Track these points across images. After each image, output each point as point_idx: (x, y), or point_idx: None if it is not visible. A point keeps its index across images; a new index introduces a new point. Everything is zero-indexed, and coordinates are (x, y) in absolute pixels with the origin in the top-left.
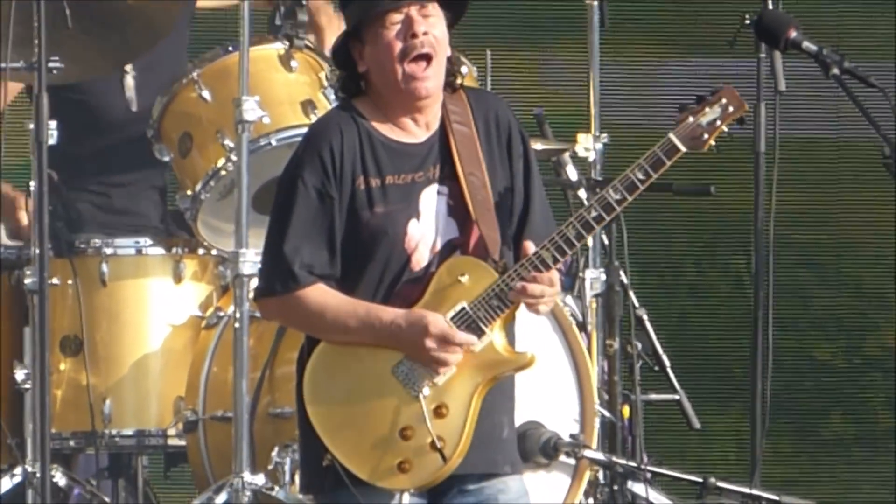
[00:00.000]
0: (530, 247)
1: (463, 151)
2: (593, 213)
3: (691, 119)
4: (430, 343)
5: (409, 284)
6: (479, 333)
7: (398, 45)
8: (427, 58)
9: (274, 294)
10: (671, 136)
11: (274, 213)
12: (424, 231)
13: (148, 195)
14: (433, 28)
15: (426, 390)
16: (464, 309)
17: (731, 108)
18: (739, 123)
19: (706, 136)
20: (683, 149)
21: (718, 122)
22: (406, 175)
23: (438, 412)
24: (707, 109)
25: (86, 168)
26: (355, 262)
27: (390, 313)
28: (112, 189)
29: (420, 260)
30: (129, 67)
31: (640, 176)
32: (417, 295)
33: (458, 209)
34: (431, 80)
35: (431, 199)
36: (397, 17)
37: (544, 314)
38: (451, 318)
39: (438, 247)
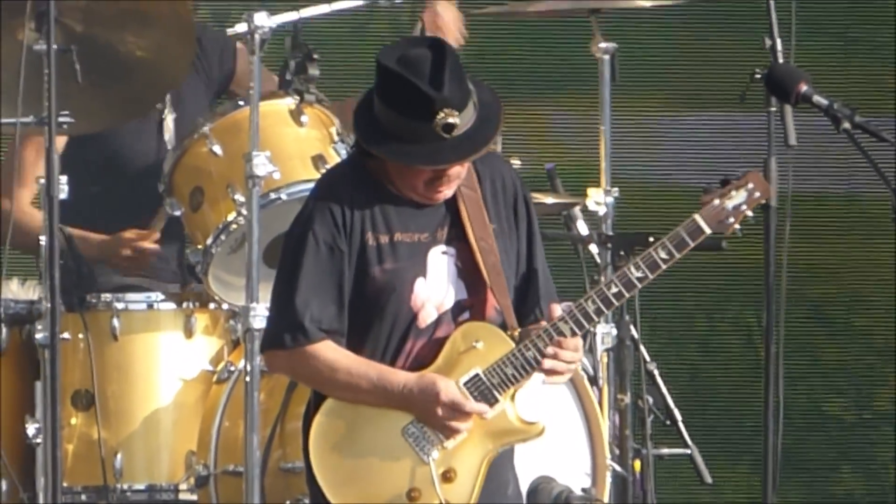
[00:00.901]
0: (556, 311)
1: (473, 216)
2: (613, 290)
3: (717, 202)
4: (440, 411)
5: (416, 342)
6: (492, 401)
7: (426, 179)
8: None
9: (283, 347)
10: (697, 217)
11: (283, 265)
12: (431, 290)
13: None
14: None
15: (435, 454)
16: (477, 375)
17: (756, 194)
18: (764, 208)
19: (731, 219)
20: (708, 231)
21: (744, 208)
22: (414, 234)
23: (447, 476)
24: (733, 193)
25: (110, 215)
26: (362, 317)
27: (402, 377)
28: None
29: (426, 317)
30: (167, 109)
31: (664, 255)
32: (427, 355)
33: (465, 272)
34: (451, 192)
35: (438, 260)
36: None
37: (563, 383)
38: (465, 384)
39: (446, 306)
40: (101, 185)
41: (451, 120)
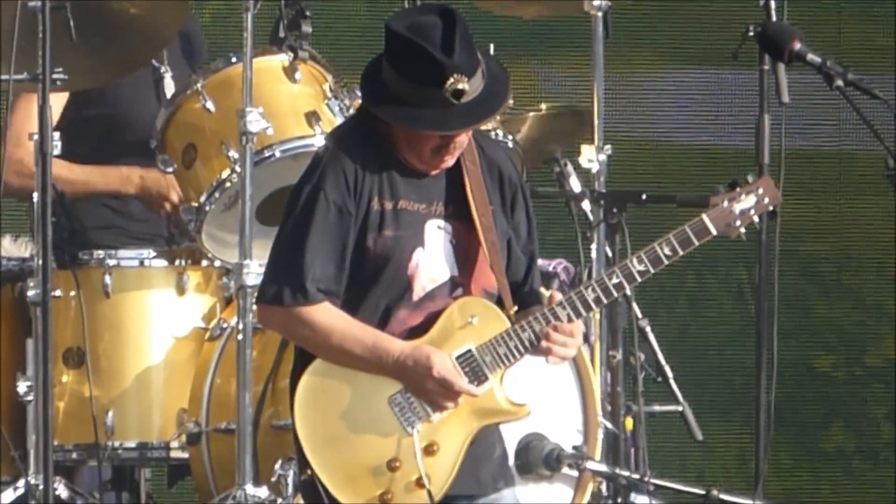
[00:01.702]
0: (556, 296)
1: (476, 192)
2: (614, 280)
3: (725, 204)
4: (431, 385)
5: (408, 311)
6: (482, 379)
7: (433, 146)
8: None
9: (280, 304)
10: (704, 217)
11: (290, 221)
12: (428, 261)
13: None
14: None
15: (419, 426)
16: (470, 351)
17: (765, 200)
18: (771, 216)
19: (738, 223)
20: (714, 232)
21: (752, 212)
22: (415, 203)
23: (429, 449)
24: (742, 197)
25: None
26: (359, 281)
27: (398, 346)
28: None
29: (420, 289)
30: (163, 68)
31: (667, 252)
32: (421, 326)
33: (459, 249)
34: (454, 160)
35: (435, 233)
36: None
37: (559, 364)
38: (457, 358)
39: (440, 280)
40: (101, 143)
41: (460, 86)
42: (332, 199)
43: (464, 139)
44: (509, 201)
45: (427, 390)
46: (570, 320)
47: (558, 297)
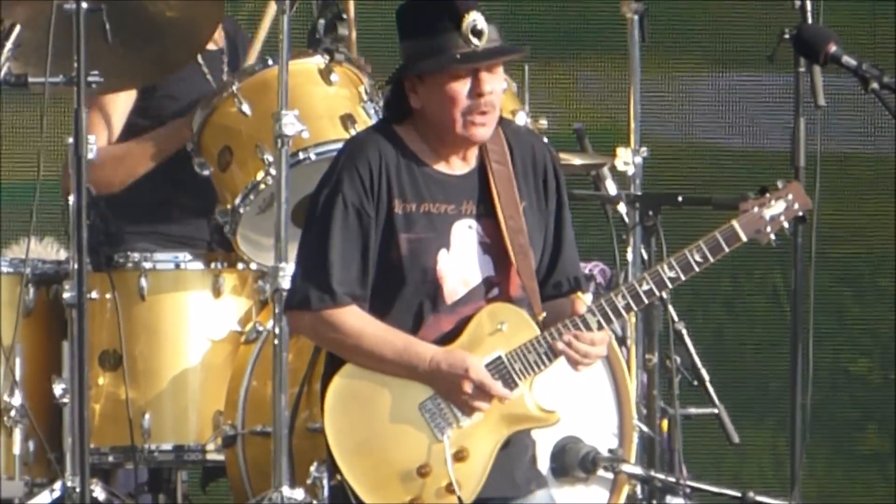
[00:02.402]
0: (580, 307)
1: (502, 193)
2: (645, 287)
3: (756, 210)
4: (466, 388)
5: (442, 316)
6: (512, 386)
7: (464, 101)
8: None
9: (308, 308)
10: (734, 223)
11: (310, 226)
12: (456, 263)
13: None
14: (497, 84)
15: (450, 432)
16: (500, 358)
17: (795, 205)
18: (801, 222)
19: (768, 229)
20: (744, 238)
21: (782, 218)
22: (440, 204)
23: (459, 456)
24: (772, 202)
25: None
26: (387, 285)
27: (430, 350)
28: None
29: (453, 293)
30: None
31: (698, 258)
32: (452, 331)
33: (492, 248)
34: (489, 130)
35: (463, 234)
36: (465, 72)
37: (584, 372)
38: (486, 365)
39: (473, 283)
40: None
41: (479, 24)
42: (350, 202)
43: (495, 97)
44: (542, 186)
45: (461, 393)
46: (600, 327)
47: (583, 304)
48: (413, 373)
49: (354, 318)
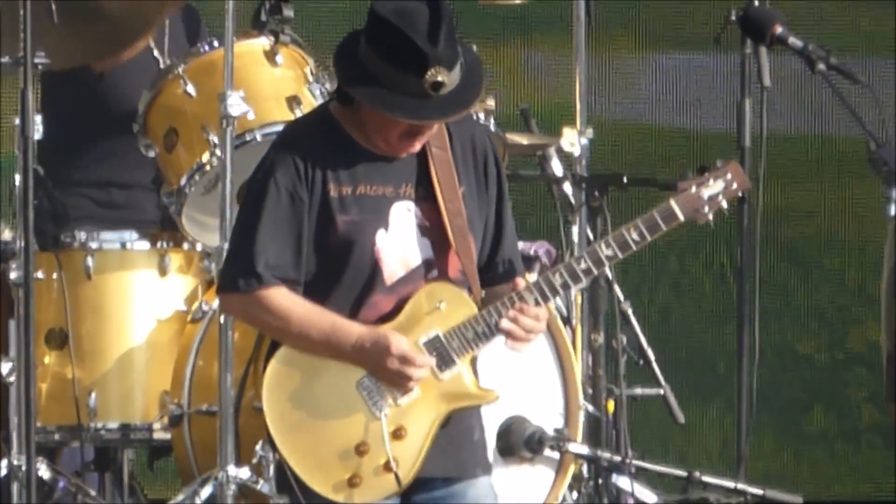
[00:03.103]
0: (520, 283)
1: (442, 177)
2: (582, 265)
3: (693, 189)
4: (391, 363)
5: (382, 297)
6: (450, 363)
7: (398, 136)
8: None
9: (236, 291)
10: (672, 202)
11: (243, 210)
12: (394, 244)
13: (146, 192)
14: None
15: (387, 410)
16: (437, 336)
17: (734, 185)
18: (740, 202)
19: (706, 209)
20: (682, 218)
21: (720, 198)
22: (378, 187)
23: (397, 434)
24: (710, 182)
25: (88, 161)
26: (326, 269)
27: (355, 329)
28: (113, 186)
29: (393, 274)
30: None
31: (635, 237)
32: (392, 312)
33: (431, 231)
34: (418, 147)
35: (402, 216)
36: None
37: (523, 350)
38: (424, 344)
39: (413, 264)
40: (90, 120)
41: (440, 78)
42: (282, 186)
43: (435, 128)
44: (482, 172)
45: (387, 369)
46: (537, 304)
47: (522, 283)
48: (340, 354)
49: (281, 300)
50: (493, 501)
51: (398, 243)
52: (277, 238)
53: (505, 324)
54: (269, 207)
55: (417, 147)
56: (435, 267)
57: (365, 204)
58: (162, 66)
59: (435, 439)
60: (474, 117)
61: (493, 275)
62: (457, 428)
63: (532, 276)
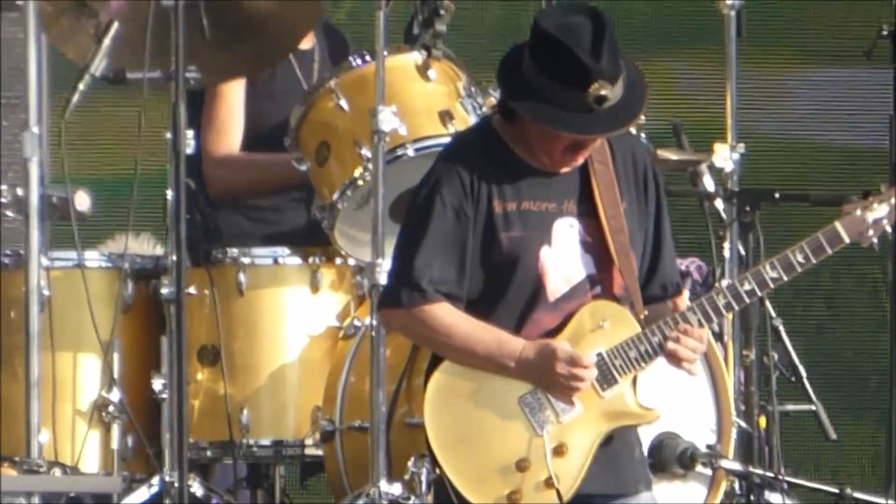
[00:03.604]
0: (681, 305)
1: (604, 193)
2: (746, 287)
3: (859, 213)
4: (560, 367)
5: (545, 313)
6: (612, 382)
7: (561, 150)
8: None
9: (399, 306)
10: (837, 225)
11: (407, 225)
12: (557, 260)
13: (297, 205)
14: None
15: (549, 426)
16: (600, 355)
17: None
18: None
19: (871, 232)
20: (847, 241)
21: (884, 222)
22: (541, 202)
23: (558, 451)
24: (875, 206)
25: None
26: (491, 285)
27: (519, 344)
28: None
29: (556, 290)
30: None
31: (800, 259)
32: (555, 329)
33: (593, 247)
34: (579, 163)
35: (564, 231)
36: None
37: (687, 370)
38: None
39: (575, 280)
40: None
41: (603, 92)
42: (448, 202)
43: (597, 142)
44: (642, 188)
45: (556, 374)
46: (700, 325)
47: (683, 303)
48: (505, 368)
49: (444, 315)
50: None
51: (561, 259)
52: (442, 254)
53: (670, 345)
54: (434, 223)
55: (580, 161)
56: (598, 283)
57: (528, 220)
58: (305, 86)
59: (596, 457)
60: (633, 134)
61: (652, 292)
62: (618, 445)
63: (685, 294)
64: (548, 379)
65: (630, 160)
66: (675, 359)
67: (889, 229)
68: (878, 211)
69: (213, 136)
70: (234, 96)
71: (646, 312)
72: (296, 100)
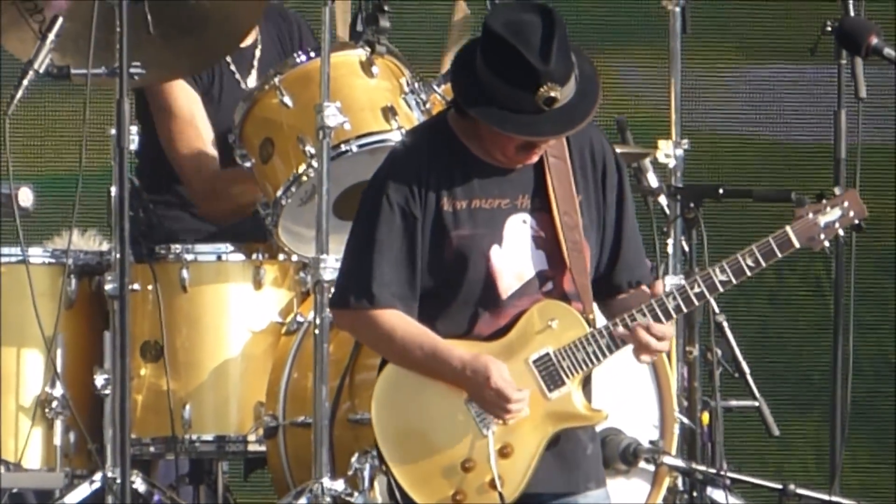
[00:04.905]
0: (658, 290)
1: (558, 188)
2: (696, 290)
3: (810, 216)
4: (488, 395)
5: (497, 311)
6: (559, 383)
7: (518, 144)
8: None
9: (347, 307)
10: (788, 230)
11: (357, 227)
12: (508, 258)
13: None
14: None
15: (494, 427)
16: (548, 355)
17: (851, 213)
18: (856, 230)
19: (822, 236)
20: (797, 245)
21: (836, 225)
22: (493, 199)
23: (503, 452)
24: (828, 209)
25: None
26: (441, 284)
27: (456, 355)
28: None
29: (508, 287)
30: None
31: (750, 263)
32: (507, 325)
33: (546, 243)
34: (536, 158)
35: (516, 228)
36: None
37: (646, 363)
38: (534, 362)
39: (527, 277)
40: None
41: (553, 94)
42: (395, 203)
43: (550, 140)
44: (600, 178)
45: (485, 400)
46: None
47: (660, 289)
48: (442, 376)
49: (388, 319)
50: None
51: (512, 257)
52: (390, 257)
53: (643, 336)
54: (383, 225)
55: (535, 158)
56: (550, 279)
57: (479, 218)
58: (243, 85)
59: (543, 457)
60: (592, 124)
61: (616, 282)
62: (567, 445)
63: (660, 281)
64: (479, 401)
65: (588, 151)
66: (638, 348)
67: (841, 233)
68: (830, 215)
69: (176, 125)
70: (186, 87)
71: (593, 313)
72: (232, 100)
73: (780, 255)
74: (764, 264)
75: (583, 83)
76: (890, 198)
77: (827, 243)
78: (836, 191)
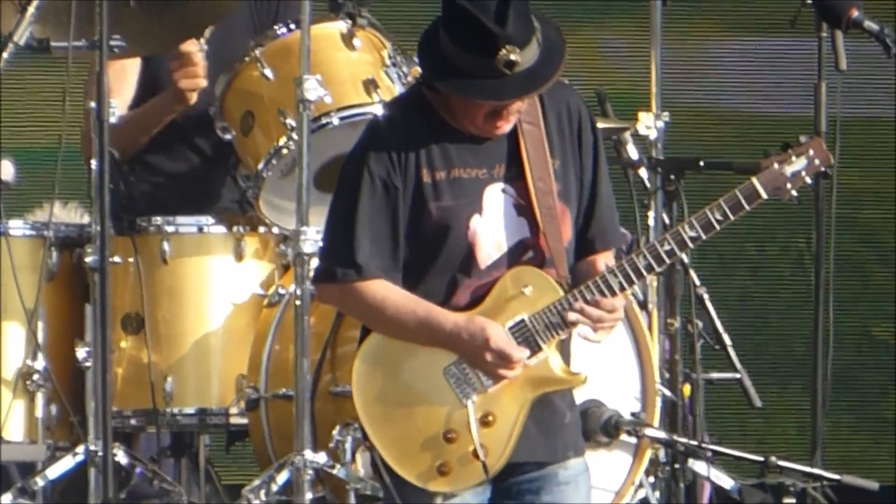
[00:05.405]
0: (600, 265)
1: (533, 155)
2: (666, 247)
3: (776, 167)
4: (489, 357)
5: (476, 280)
6: (535, 348)
7: (483, 117)
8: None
9: (334, 281)
10: (754, 180)
11: (338, 200)
12: (488, 227)
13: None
14: (522, 102)
15: (475, 397)
16: (523, 321)
17: (817, 161)
18: (824, 177)
19: (789, 185)
20: (765, 195)
21: (803, 174)
22: (471, 169)
23: (485, 420)
24: (793, 159)
25: (158, 148)
26: (420, 254)
27: (451, 318)
28: (182, 172)
29: (487, 257)
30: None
31: (718, 216)
32: (484, 294)
33: (526, 210)
34: (510, 126)
35: (496, 197)
36: None
37: (598, 340)
38: (510, 328)
39: (506, 246)
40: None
41: (512, 57)
42: (376, 175)
43: (520, 105)
44: (576, 141)
45: (485, 362)
46: (621, 288)
47: (602, 266)
48: (435, 342)
49: (377, 289)
50: (586, 482)
51: (492, 226)
52: (374, 227)
53: (572, 316)
54: (364, 197)
55: (507, 127)
56: (531, 247)
57: (459, 188)
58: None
59: (525, 425)
60: (567, 86)
61: (589, 244)
62: (546, 412)
63: (610, 252)
64: (475, 362)
65: (565, 114)
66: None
67: (809, 181)
68: (797, 164)
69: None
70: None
71: (568, 276)
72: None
73: (748, 207)
74: (732, 217)
75: (547, 49)
76: (869, 170)
77: (795, 192)
78: (802, 139)
